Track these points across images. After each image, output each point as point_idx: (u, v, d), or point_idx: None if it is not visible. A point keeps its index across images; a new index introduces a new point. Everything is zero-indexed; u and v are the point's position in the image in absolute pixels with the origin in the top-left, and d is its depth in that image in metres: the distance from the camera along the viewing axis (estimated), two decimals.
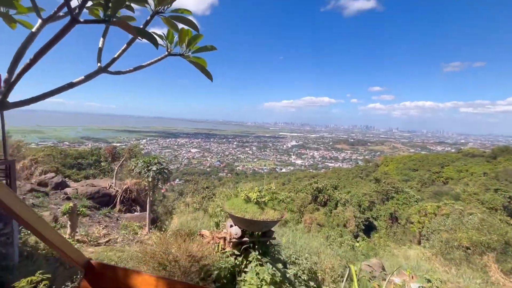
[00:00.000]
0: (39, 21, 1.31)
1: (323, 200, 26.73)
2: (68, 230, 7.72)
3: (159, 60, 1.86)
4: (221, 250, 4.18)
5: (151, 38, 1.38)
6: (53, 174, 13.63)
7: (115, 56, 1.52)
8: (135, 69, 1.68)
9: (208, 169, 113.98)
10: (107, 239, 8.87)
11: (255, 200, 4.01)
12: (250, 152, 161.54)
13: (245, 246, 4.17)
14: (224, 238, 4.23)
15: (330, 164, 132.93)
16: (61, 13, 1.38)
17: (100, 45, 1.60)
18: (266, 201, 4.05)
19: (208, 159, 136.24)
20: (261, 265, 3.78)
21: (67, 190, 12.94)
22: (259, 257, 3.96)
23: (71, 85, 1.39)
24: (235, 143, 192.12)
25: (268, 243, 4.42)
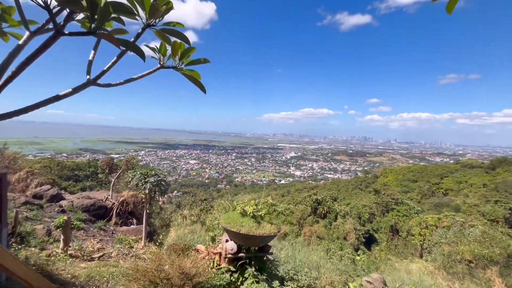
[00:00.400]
0: (27, 33, 1.29)
1: (323, 212, 26.37)
2: (61, 245, 7.49)
3: (151, 72, 1.84)
4: (216, 266, 4.03)
5: (137, 50, 1.36)
6: (48, 186, 13.43)
7: (105, 68, 1.50)
8: (126, 81, 1.65)
9: (206, 181, 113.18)
10: (101, 254, 8.61)
11: (252, 214, 3.90)
12: (249, 163, 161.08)
13: (241, 262, 4.02)
14: (220, 254, 4.08)
15: (329, 176, 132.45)
16: (50, 26, 1.36)
17: (90, 58, 1.58)
18: (262, 215, 3.94)
19: (207, 170, 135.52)
20: (257, 282, 3.63)
21: (63, 202, 12.72)
22: (255, 273, 3.81)
23: (57, 98, 1.35)
24: (234, 154, 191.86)
25: (265, 258, 4.27)
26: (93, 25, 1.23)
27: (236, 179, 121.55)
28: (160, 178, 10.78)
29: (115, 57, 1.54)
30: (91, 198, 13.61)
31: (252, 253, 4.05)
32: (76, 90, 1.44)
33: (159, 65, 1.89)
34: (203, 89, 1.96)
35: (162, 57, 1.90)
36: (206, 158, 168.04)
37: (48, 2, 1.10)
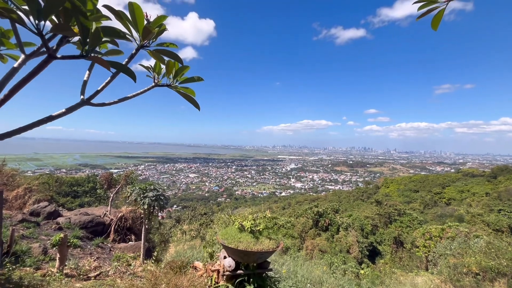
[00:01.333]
0: (22, 56, 1.32)
1: (324, 224, 25.95)
2: (57, 264, 7.31)
3: (145, 91, 1.87)
4: (214, 284, 3.91)
5: (128, 72, 1.39)
6: (46, 203, 13.27)
7: (99, 88, 1.53)
8: (120, 100, 1.68)
9: (206, 194, 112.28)
10: (97, 272, 8.40)
11: (250, 229, 3.83)
12: (249, 176, 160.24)
13: (239, 279, 3.91)
14: (218, 271, 3.97)
15: (330, 187, 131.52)
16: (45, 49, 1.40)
17: (85, 78, 1.61)
18: (261, 229, 3.87)
19: (207, 184, 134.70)
20: None
21: (60, 219, 12.52)
22: None
23: (50, 118, 1.37)
24: (233, 167, 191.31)
25: (264, 275, 4.16)
26: (86, 48, 1.26)
27: (236, 192, 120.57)
28: (159, 193, 10.68)
29: (109, 78, 1.58)
30: (89, 215, 13.42)
31: (251, 270, 3.94)
32: (69, 110, 1.46)
33: (153, 84, 1.93)
34: (197, 106, 1.99)
35: (156, 75, 1.94)
36: (206, 171, 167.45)
37: (41, 28, 1.14)
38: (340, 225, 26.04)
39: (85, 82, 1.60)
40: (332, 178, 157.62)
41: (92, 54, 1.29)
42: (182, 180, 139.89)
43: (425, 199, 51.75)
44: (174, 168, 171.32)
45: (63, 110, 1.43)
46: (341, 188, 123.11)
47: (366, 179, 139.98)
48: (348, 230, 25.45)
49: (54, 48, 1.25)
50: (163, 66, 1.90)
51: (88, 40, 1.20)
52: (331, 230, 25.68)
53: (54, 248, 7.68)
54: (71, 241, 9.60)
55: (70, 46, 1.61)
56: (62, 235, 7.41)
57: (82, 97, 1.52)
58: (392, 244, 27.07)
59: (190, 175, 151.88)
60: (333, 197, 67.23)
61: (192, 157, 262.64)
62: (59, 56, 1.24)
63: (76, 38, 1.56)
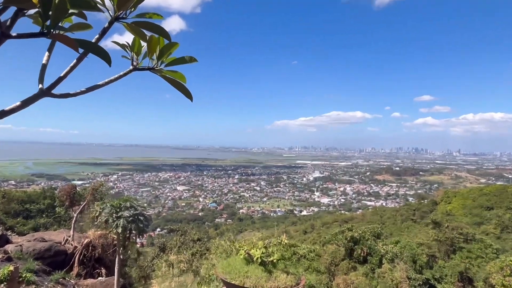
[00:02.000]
0: None
1: (362, 254, 25.77)
2: None
3: (121, 76, 1.92)
4: None
5: (100, 52, 1.44)
6: None
7: (61, 75, 1.58)
8: (89, 89, 1.73)
9: (200, 214, 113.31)
10: None
11: (260, 260, 3.85)
12: (258, 188, 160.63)
13: None
14: None
15: (368, 203, 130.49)
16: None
17: (44, 61, 1.67)
18: (275, 260, 3.88)
19: (200, 199, 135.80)
20: None
21: (8, 247, 12.87)
22: None
23: (2, 114, 1.43)
24: (236, 176, 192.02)
25: None
26: (47, 23, 1.31)
27: (241, 211, 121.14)
28: (137, 212, 10.85)
29: (75, 60, 1.63)
30: (46, 241, 13.75)
31: None
32: (26, 103, 1.52)
33: (131, 67, 1.97)
34: (189, 95, 2.03)
35: (135, 56, 1.99)
36: (199, 182, 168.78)
37: None
38: (384, 256, 25.78)
39: (44, 67, 1.66)
40: (371, 190, 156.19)
41: (55, 31, 1.35)
42: (168, 194, 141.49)
43: (503, 219, 50.59)
44: (157, 179, 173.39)
45: (18, 103, 1.49)
46: (384, 204, 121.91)
47: (419, 191, 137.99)
48: (395, 262, 25.17)
49: (8, 24, 1.31)
50: (143, 44, 1.93)
51: (50, 13, 1.26)
52: (371, 262, 25.47)
53: (2, 285, 7.92)
54: (23, 275, 9.85)
55: (24, 20, 1.67)
56: (11, 268, 7.63)
57: (40, 86, 1.58)
58: (457, 281, 26.62)
59: (178, 188, 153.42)
60: (373, 216, 66.56)
61: (181, 163, 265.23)
62: (14, 34, 1.30)
63: (34, 11, 1.63)
